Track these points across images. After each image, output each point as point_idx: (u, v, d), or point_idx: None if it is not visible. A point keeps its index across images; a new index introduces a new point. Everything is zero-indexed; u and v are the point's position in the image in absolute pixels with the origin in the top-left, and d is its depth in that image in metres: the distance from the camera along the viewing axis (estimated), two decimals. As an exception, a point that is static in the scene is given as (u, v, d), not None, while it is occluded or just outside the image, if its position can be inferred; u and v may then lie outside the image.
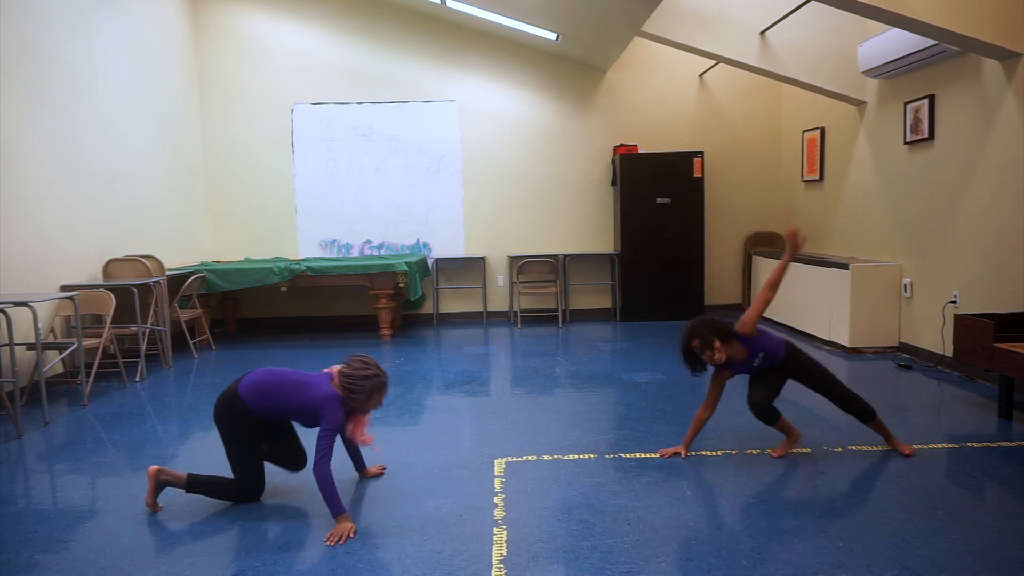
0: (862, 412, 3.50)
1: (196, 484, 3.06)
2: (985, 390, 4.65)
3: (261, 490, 3.10)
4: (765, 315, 3.90)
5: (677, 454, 3.54)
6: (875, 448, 3.58)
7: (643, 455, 3.56)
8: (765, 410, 3.50)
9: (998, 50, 4.52)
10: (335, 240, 8.10)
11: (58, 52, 5.47)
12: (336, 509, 2.75)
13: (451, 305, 8.35)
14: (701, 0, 6.19)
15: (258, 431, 3.04)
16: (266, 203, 8.07)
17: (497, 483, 3.24)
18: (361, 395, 2.87)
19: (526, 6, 6.71)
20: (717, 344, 3.39)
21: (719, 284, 8.35)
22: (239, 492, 3.05)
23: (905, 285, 5.76)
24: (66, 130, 5.53)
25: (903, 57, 5.32)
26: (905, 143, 5.69)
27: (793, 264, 3.67)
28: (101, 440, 4.06)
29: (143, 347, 5.59)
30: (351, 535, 2.71)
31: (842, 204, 6.80)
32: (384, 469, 3.42)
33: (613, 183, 8.15)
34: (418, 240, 8.20)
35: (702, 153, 7.81)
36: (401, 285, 6.99)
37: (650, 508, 2.92)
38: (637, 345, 6.54)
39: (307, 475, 3.41)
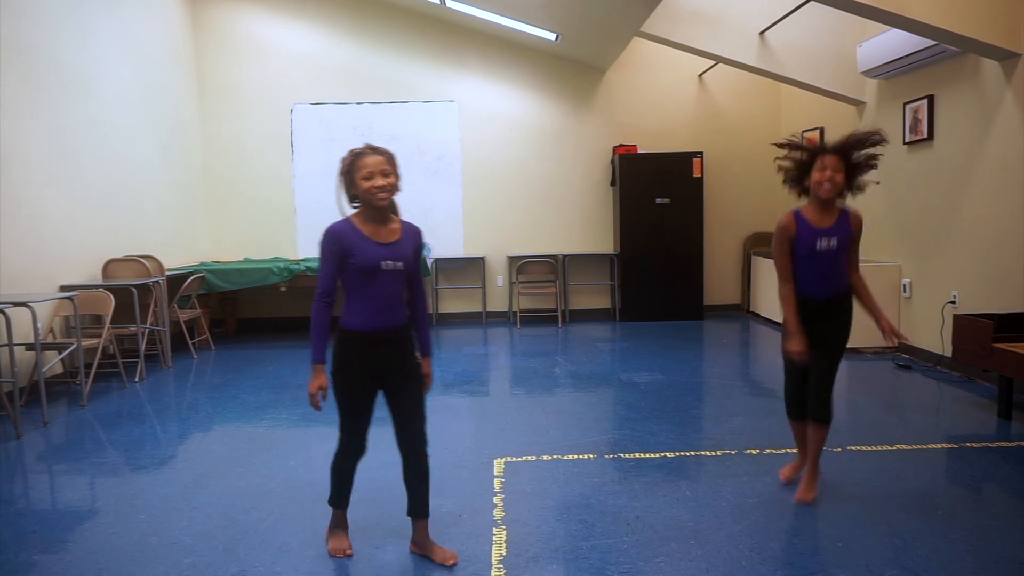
0: (823, 411, 2.95)
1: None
2: (984, 390, 4.65)
3: (359, 444, 2.59)
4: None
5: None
6: (875, 448, 3.58)
7: (642, 455, 3.56)
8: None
9: (997, 50, 4.52)
10: (334, 240, 8.08)
11: (57, 52, 5.46)
12: (313, 355, 2.45)
13: (450, 305, 8.35)
14: (701, 0, 6.20)
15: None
16: (265, 203, 8.06)
17: (496, 483, 3.24)
18: (343, 175, 2.48)
19: (526, 6, 6.71)
20: (831, 162, 2.82)
21: (718, 284, 8.35)
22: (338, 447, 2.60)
23: (904, 285, 5.77)
24: (65, 130, 5.52)
25: (902, 57, 5.32)
26: (904, 143, 5.69)
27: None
28: (100, 440, 4.05)
29: (142, 347, 5.59)
30: (320, 395, 2.45)
31: (841, 204, 6.80)
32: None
33: (612, 183, 8.15)
34: (417, 240, 8.19)
35: (701, 153, 7.81)
36: (400, 285, 6.98)
37: (649, 508, 2.92)
38: (637, 345, 6.54)
39: (306, 474, 3.41)
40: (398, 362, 2.52)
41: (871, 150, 2.87)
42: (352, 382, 2.47)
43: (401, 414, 2.53)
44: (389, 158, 2.44)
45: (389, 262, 2.42)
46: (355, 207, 2.50)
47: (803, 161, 2.93)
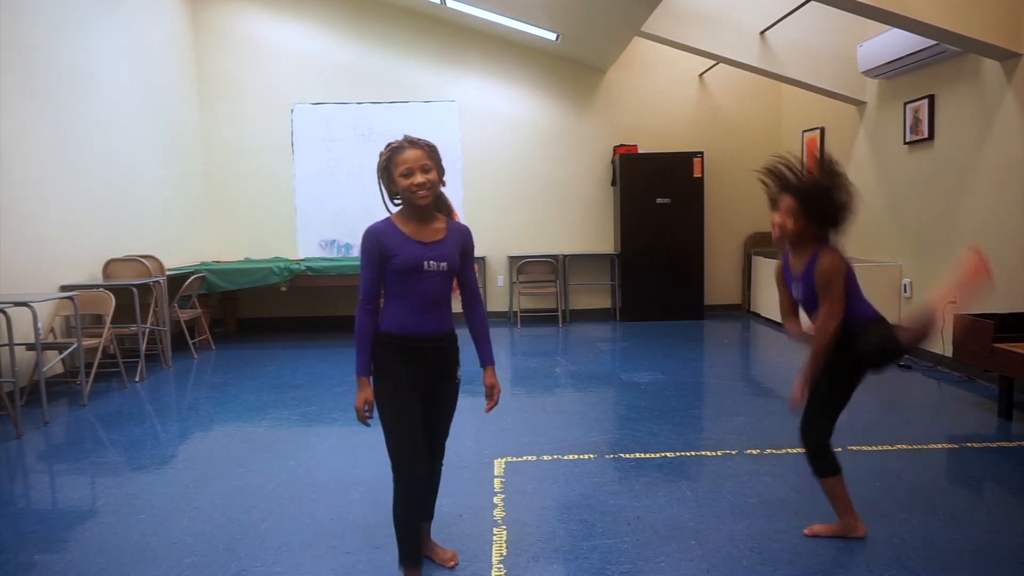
0: (809, 460, 2.63)
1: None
2: (985, 390, 4.65)
3: (416, 467, 2.27)
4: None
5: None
6: (875, 448, 3.58)
7: (643, 455, 3.56)
8: (816, 445, 2.60)
9: (998, 50, 4.52)
10: (335, 240, 8.09)
11: (58, 52, 5.46)
12: (356, 367, 2.27)
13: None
14: (701, 0, 6.20)
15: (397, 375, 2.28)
16: (266, 203, 8.05)
17: (497, 483, 3.24)
18: (380, 172, 2.28)
19: (526, 6, 6.71)
20: (786, 205, 2.44)
21: (719, 284, 8.35)
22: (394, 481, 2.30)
23: (905, 285, 5.76)
24: (66, 130, 5.52)
25: (903, 57, 5.32)
26: (905, 143, 5.69)
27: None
28: (100, 440, 4.05)
29: (143, 347, 5.59)
30: (367, 410, 2.26)
31: (842, 204, 6.79)
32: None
33: (613, 183, 8.15)
34: (418, 240, 8.19)
35: (702, 153, 7.81)
36: (401, 285, 6.98)
37: (649, 508, 2.92)
38: (637, 345, 6.54)
39: (306, 474, 3.41)
40: (437, 373, 2.33)
41: (841, 199, 2.44)
42: (392, 389, 2.25)
43: (428, 428, 2.35)
44: (429, 151, 2.24)
45: (432, 262, 2.23)
46: (397, 204, 2.31)
47: (772, 191, 2.56)
